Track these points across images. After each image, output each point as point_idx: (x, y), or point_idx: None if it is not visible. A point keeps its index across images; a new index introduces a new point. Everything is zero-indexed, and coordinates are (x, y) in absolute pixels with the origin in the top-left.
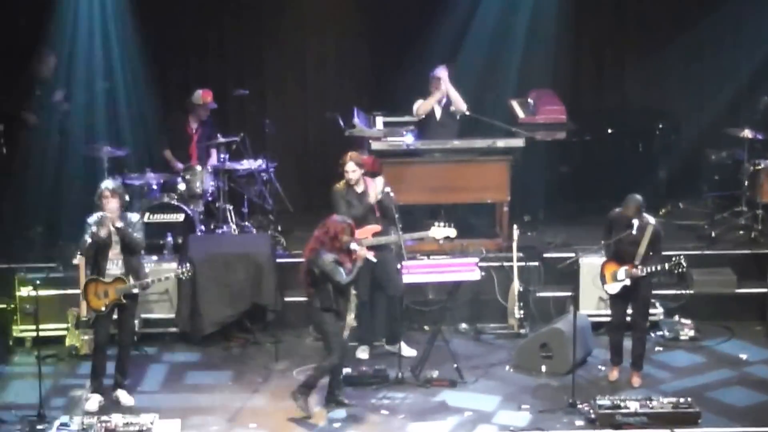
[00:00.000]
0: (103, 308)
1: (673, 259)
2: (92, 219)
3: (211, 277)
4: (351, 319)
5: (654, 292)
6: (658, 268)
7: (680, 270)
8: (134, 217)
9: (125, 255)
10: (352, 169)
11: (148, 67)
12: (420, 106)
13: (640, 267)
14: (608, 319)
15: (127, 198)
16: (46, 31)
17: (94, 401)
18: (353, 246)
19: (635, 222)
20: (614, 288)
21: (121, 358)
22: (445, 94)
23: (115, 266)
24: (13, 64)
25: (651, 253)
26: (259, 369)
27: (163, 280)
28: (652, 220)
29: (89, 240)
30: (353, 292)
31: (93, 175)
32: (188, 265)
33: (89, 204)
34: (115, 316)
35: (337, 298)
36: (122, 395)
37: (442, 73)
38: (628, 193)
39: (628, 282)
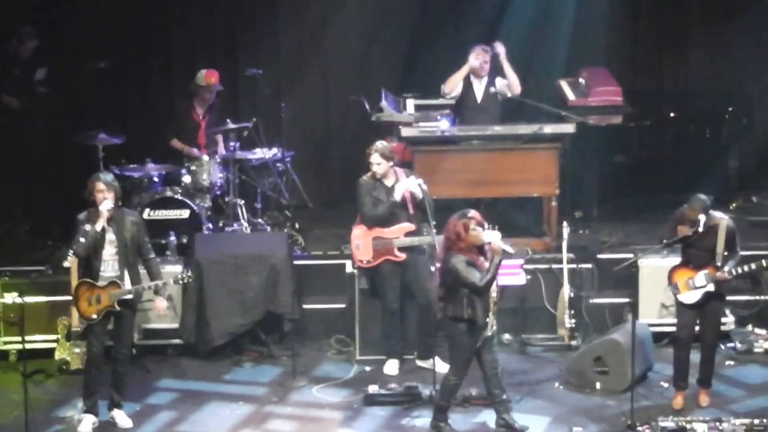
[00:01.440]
0: (95, 315)
1: None
2: (83, 216)
3: (219, 281)
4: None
5: None
6: (753, 267)
7: None
8: (132, 215)
9: (121, 256)
10: (377, 162)
11: (150, 44)
12: (446, 82)
13: (727, 269)
14: (672, 329)
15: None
16: (30, 4)
17: (87, 423)
18: (485, 238)
19: (701, 218)
20: (693, 297)
21: (118, 373)
22: (483, 71)
23: (110, 268)
24: None
25: (726, 253)
26: (274, 386)
27: (161, 285)
28: (724, 216)
29: (82, 240)
30: (493, 297)
31: (86, 166)
32: (188, 269)
33: (82, 199)
34: (110, 327)
35: (473, 305)
36: (119, 416)
37: (478, 47)
38: (693, 186)
39: (711, 288)
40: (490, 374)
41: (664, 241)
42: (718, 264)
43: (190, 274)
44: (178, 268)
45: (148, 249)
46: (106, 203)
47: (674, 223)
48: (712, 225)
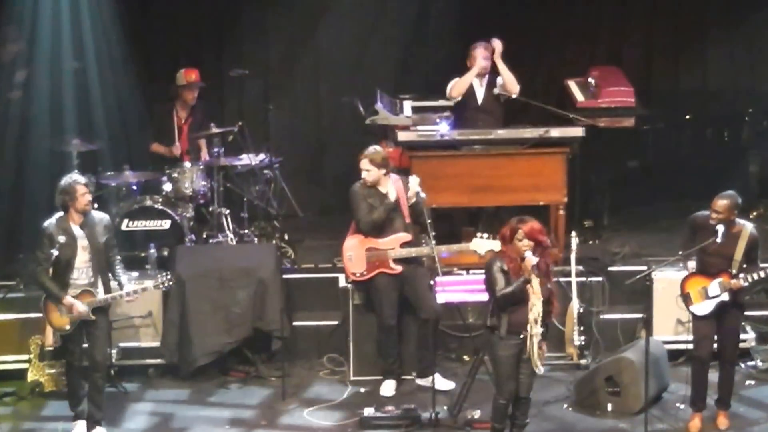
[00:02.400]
0: (68, 326)
1: None
2: (52, 224)
3: (203, 297)
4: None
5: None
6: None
7: None
8: (103, 218)
9: (95, 263)
10: (367, 168)
11: (128, 44)
12: (454, 86)
13: (741, 276)
14: (689, 346)
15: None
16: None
17: (80, 428)
18: (527, 254)
19: (720, 228)
20: (706, 307)
21: (95, 386)
22: (487, 70)
23: (83, 276)
24: None
25: (745, 265)
26: (263, 409)
27: (140, 292)
28: (747, 223)
29: (55, 253)
30: (535, 313)
31: (59, 174)
32: (170, 274)
33: (54, 208)
34: (85, 345)
35: (497, 315)
36: None
37: (482, 44)
38: (711, 193)
39: (725, 297)
40: (519, 395)
41: (680, 252)
42: (733, 272)
43: (170, 278)
44: None
45: (117, 254)
46: (83, 208)
47: (690, 231)
48: (734, 232)
